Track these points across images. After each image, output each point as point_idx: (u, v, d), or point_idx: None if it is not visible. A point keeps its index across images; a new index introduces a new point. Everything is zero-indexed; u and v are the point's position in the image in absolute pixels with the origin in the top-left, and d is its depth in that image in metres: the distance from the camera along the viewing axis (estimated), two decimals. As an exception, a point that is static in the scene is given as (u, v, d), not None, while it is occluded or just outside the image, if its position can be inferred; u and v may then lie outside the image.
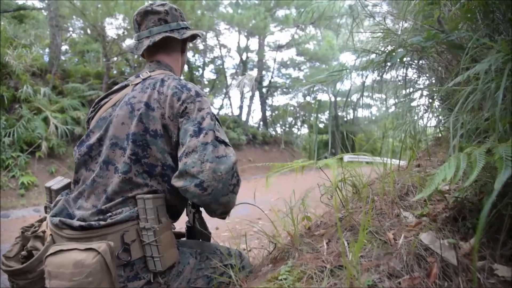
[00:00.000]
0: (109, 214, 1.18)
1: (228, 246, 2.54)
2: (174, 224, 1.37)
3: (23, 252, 1.25)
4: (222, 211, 1.21)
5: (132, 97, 1.29)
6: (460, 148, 1.14)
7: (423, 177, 1.38)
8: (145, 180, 1.22)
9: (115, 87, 1.42)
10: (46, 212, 1.39)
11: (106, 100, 1.40)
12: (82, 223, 1.14)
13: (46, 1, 13.31)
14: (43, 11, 14.99)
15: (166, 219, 1.23)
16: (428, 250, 0.97)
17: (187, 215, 1.52)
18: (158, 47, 1.44)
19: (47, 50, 13.02)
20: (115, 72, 14.26)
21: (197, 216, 1.49)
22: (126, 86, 1.39)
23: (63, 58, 13.76)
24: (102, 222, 1.14)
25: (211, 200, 1.13)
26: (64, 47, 14.40)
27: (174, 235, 1.39)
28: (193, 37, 1.52)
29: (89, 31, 14.20)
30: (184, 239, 1.52)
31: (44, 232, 1.26)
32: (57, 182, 1.41)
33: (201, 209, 1.47)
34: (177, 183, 1.16)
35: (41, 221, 1.35)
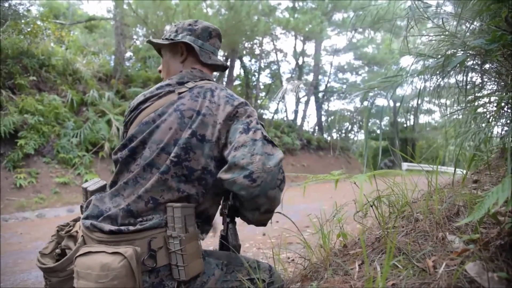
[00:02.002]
0: (140, 219, 1.19)
1: (269, 255, 2.48)
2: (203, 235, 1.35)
3: (57, 250, 1.30)
4: (267, 208, 1.19)
5: (181, 104, 1.31)
6: (520, 166, 1.00)
7: (477, 196, 1.23)
8: (178, 185, 1.22)
9: (155, 92, 1.40)
10: (82, 211, 1.43)
11: (147, 104, 1.39)
12: (112, 228, 1.16)
13: (113, 12, 14.21)
14: (111, 20, 16.05)
15: (194, 229, 1.22)
16: (474, 283, 0.84)
17: (222, 224, 1.51)
18: (210, 64, 1.51)
19: (113, 56, 13.90)
20: (173, 77, 14.90)
21: (230, 226, 1.47)
22: (169, 92, 1.38)
23: (127, 64, 14.61)
24: (131, 228, 1.15)
25: (259, 192, 1.11)
26: (128, 54, 15.29)
27: None
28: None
29: (151, 38, 14.96)
30: (212, 249, 1.50)
31: (77, 232, 1.31)
32: (93, 184, 1.43)
33: (236, 219, 1.49)
34: (225, 175, 1.16)
35: (75, 220, 1.40)
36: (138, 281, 1.09)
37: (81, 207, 1.44)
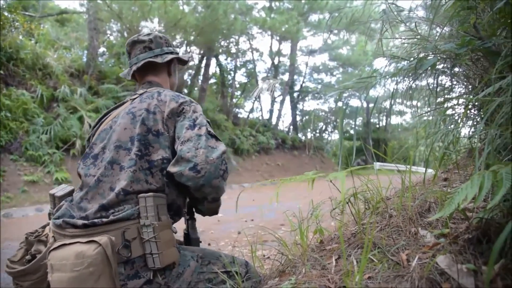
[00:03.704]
0: (112, 211, 1.22)
1: (245, 252, 2.49)
2: (175, 226, 1.40)
3: (27, 257, 1.29)
4: (213, 196, 1.32)
5: (132, 107, 1.42)
6: (487, 165, 1.05)
7: (446, 193, 1.29)
8: (146, 177, 1.29)
9: (113, 106, 1.57)
10: (49, 218, 1.43)
11: (106, 116, 1.53)
12: (85, 222, 1.17)
13: (86, 5, 13.82)
14: (84, 14, 15.57)
15: (167, 218, 1.26)
16: (444, 274, 0.89)
17: (185, 222, 1.60)
18: (146, 71, 1.60)
19: (85, 52, 13.51)
20: (148, 74, 14.67)
21: (190, 222, 1.56)
22: (124, 102, 1.54)
23: (100, 59, 14.23)
24: (104, 219, 1.18)
25: (204, 182, 1.22)
26: (101, 49, 14.90)
27: None
28: (182, 61, 1.71)
29: (125, 34, 14.64)
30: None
31: (47, 237, 1.31)
32: (60, 189, 1.46)
33: (195, 216, 1.58)
34: (173, 169, 1.25)
35: (44, 227, 1.39)
36: (114, 269, 1.09)
37: (49, 214, 1.45)
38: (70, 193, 1.43)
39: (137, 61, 1.56)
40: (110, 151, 1.33)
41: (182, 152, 1.25)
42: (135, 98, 1.49)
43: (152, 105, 1.39)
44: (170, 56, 1.60)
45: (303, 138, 24.79)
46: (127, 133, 1.35)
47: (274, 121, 22.71)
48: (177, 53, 1.66)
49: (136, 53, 1.58)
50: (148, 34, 1.61)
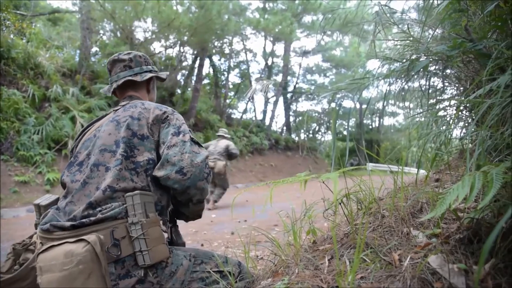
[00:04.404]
0: (99, 208, 1.22)
1: (238, 253, 2.49)
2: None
3: (16, 267, 1.29)
4: (198, 198, 1.40)
5: (116, 116, 1.48)
6: (478, 165, 1.07)
7: (438, 193, 1.30)
8: (131, 176, 1.32)
9: (96, 118, 1.63)
10: (36, 228, 1.44)
11: (89, 127, 1.58)
12: (74, 223, 1.18)
13: (78, 4, 13.69)
14: (76, 14, 15.42)
15: (155, 215, 1.28)
16: (436, 274, 0.90)
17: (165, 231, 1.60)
18: (126, 88, 1.67)
19: (78, 51, 13.39)
20: (142, 74, 14.56)
21: (173, 230, 1.58)
22: (107, 114, 1.60)
23: (93, 59, 14.11)
24: (92, 218, 1.18)
25: (190, 183, 1.32)
26: (94, 49, 14.77)
27: None
28: (160, 78, 1.77)
29: (118, 34, 14.55)
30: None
31: (35, 245, 1.31)
32: (45, 199, 1.49)
33: (177, 223, 1.62)
34: (159, 172, 1.33)
35: (31, 237, 1.39)
36: (104, 268, 1.09)
37: (35, 225, 1.47)
38: (55, 202, 1.45)
39: (117, 78, 1.63)
40: (95, 155, 1.37)
41: (168, 156, 1.33)
42: (118, 109, 1.55)
43: (136, 112, 1.46)
44: (149, 75, 1.68)
45: (297, 139, 24.81)
46: (112, 137, 1.40)
47: (267, 121, 22.70)
48: (156, 72, 1.75)
49: (116, 71, 1.65)
50: (128, 53, 1.68)
